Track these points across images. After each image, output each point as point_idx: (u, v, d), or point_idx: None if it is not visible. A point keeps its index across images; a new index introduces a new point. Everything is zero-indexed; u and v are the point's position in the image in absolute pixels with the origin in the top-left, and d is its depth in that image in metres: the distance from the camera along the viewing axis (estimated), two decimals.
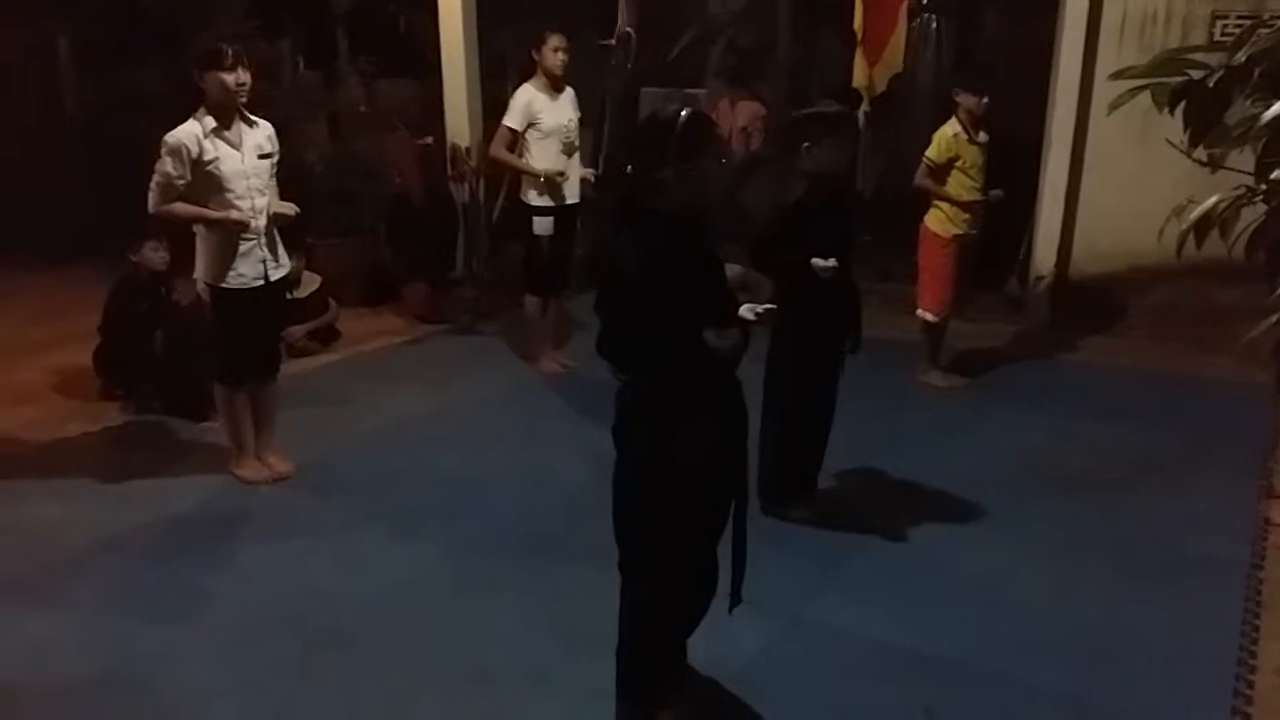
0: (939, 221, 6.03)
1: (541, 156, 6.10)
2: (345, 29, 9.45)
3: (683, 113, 2.79)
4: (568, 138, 6.17)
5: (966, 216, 5.99)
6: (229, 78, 4.35)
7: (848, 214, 4.50)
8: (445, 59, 8.11)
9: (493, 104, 8.19)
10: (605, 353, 2.79)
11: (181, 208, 4.46)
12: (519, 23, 8.43)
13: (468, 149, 8.09)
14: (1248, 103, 2.15)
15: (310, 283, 6.86)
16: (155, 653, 3.54)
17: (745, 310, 2.90)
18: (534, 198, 6.17)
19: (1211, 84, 2.05)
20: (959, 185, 5.94)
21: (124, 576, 4.07)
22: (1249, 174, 2.20)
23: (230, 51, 4.38)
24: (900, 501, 4.74)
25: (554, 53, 6.03)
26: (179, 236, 5.02)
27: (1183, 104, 2.09)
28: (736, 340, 2.79)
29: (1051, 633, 3.68)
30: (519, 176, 6.33)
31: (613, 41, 8.49)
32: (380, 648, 3.59)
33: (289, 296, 5.82)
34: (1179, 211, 2.19)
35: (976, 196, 5.96)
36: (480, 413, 5.98)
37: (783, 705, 3.27)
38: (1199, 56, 2.16)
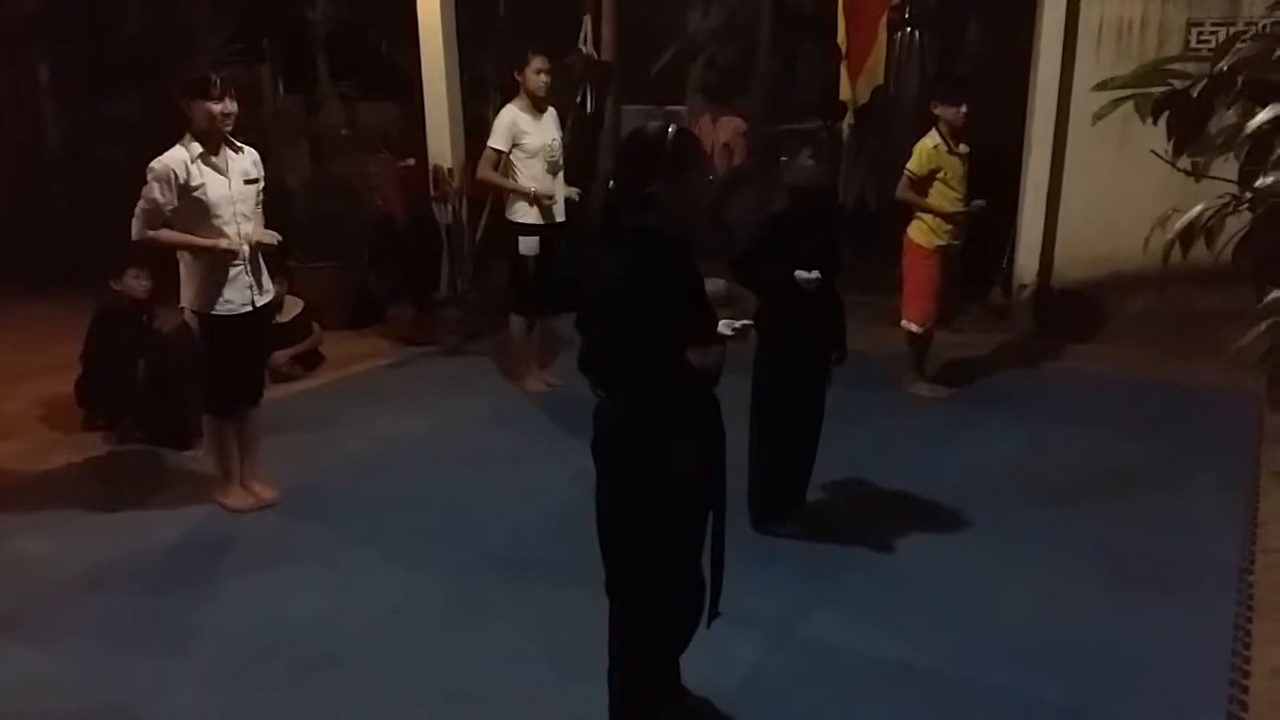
0: (921, 233, 6.05)
1: (527, 176, 6.11)
2: (325, 53, 9.46)
3: (670, 129, 2.78)
4: (552, 156, 6.18)
5: (949, 227, 6.01)
6: (216, 107, 4.35)
7: (830, 227, 4.51)
8: (426, 81, 8.11)
9: (474, 125, 8.21)
10: (586, 370, 2.79)
11: (168, 234, 4.43)
12: (499, 44, 8.46)
13: (450, 170, 8.08)
14: (1230, 112, 2.16)
15: (293, 307, 6.82)
16: (144, 684, 3.49)
17: (723, 326, 2.90)
18: (520, 215, 6.17)
19: (1195, 94, 2.05)
20: (941, 196, 5.96)
21: (111, 608, 4.01)
22: (1231, 181, 2.21)
23: (218, 81, 4.39)
24: (889, 514, 4.73)
25: (536, 74, 6.06)
26: (161, 264, 4.99)
27: (1166, 114, 2.09)
28: (718, 358, 2.79)
29: (1045, 642, 3.67)
30: (503, 195, 6.33)
31: (570, 59, 8.53)
32: (370, 674, 3.55)
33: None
34: (1164, 221, 2.20)
35: (959, 207, 5.98)
36: (467, 434, 5.96)
37: None
38: (1179, 66, 2.17)
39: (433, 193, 8.22)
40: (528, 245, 6.17)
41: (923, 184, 5.96)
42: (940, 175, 5.92)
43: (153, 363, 5.66)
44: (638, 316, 2.69)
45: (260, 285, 4.63)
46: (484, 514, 4.81)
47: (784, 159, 4.32)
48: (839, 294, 4.44)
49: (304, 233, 7.75)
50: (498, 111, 6.24)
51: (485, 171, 6.22)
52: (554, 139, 6.21)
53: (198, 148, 4.39)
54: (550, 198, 6.15)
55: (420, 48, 8.06)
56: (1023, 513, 4.71)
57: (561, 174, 6.29)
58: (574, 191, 6.39)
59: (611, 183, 2.86)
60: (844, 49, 7.52)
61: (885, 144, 8.52)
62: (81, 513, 4.83)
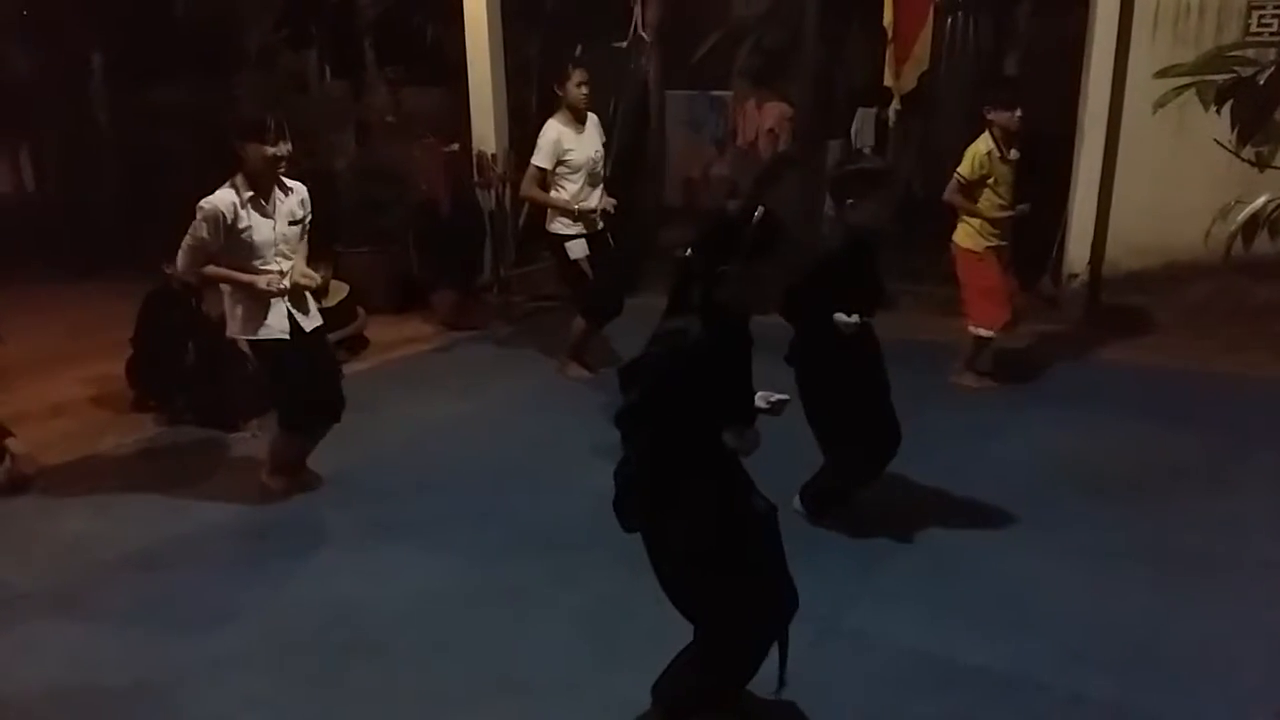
0: (969, 236, 5.95)
1: (569, 192, 6.19)
2: (372, 38, 9.49)
3: (756, 211, 2.74)
4: (594, 169, 6.26)
5: (995, 230, 5.92)
6: (270, 150, 4.34)
7: (877, 270, 4.41)
8: (471, 67, 8.13)
9: (518, 111, 8.21)
10: (622, 428, 2.76)
11: (211, 270, 4.48)
12: (544, 30, 8.45)
13: (494, 156, 8.10)
14: None
15: (338, 291, 6.87)
16: (188, 663, 3.55)
17: (759, 399, 2.91)
18: (560, 228, 6.24)
19: (1262, 81, 1.98)
20: (988, 203, 5.87)
21: (157, 587, 4.08)
22: None
23: (273, 123, 4.36)
24: (935, 505, 4.68)
25: (577, 87, 6.15)
26: None
27: (1230, 102, 2.02)
28: (753, 440, 2.79)
29: (1091, 637, 3.61)
30: (544, 210, 6.35)
31: (624, 45, 8.48)
32: (411, 657, 3.58)
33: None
34: (1225, 212, 2.13)
35: (1004, 214, 5.88)
36: (509, 419, 5.98)
37: (817, 715, 3.22)
38: (1244, 53, 2.10)
39: (476, 178, 8.24)
40: (577, 249, 6.24)
41: (971, 189, 5.85)
42: (990, 182, 5.82)
43: (202, 346, 5.74)
44: (682, 391, 2.66)
45: (304, 312, 4.64)
46: (526, 499, 4.83)
47: (850, 201, 4.17)
48: (875, 337, 4.35)
49: (348, 217, 7.81)
50: (539, 105, 6.28)
51: (530, 189, 6.31)
52: (597, 151, 6.29)
53: (248, 191, 4.39)
54: (592, 211, 6.24)
55: (465, 33, 8.08)
56: (1070, 506, 4.64)
57: (601, 186, 6.34)
58: (610, 203, 6.40)
59: (689, 250, 2.80)
60: (890, 32, 7.40)
61: (932, 131, 8.38)
62: (131, 493, 4.91)
